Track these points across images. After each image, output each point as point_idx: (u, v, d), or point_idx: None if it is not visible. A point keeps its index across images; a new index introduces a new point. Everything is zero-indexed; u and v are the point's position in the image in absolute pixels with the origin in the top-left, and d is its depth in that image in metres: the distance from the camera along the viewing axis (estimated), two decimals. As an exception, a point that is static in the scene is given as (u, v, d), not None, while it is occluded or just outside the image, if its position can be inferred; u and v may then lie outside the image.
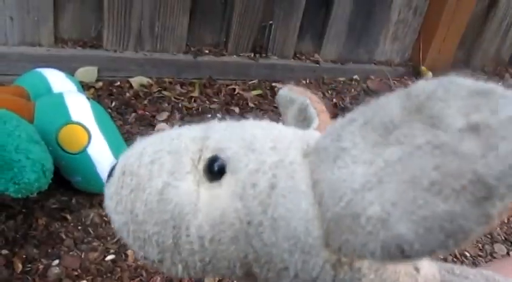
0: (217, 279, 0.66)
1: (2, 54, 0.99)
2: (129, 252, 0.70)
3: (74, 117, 0.69)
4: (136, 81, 1.12)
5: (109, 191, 0.32)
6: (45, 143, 0.63)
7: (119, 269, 0.67)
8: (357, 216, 0.22)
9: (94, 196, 0.76)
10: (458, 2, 1.47)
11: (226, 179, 0.28)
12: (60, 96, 0.72)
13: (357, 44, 1.46)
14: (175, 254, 0.29)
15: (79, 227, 0.72)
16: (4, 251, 0.65)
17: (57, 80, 0.83)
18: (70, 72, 0.96)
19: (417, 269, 0.29)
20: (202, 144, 0.30)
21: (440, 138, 0.20)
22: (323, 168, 0.25)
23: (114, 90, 1.08)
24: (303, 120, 0.39)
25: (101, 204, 0.76)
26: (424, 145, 0.21)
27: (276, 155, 0.28)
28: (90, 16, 1.10)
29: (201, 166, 0.29)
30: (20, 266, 0.63)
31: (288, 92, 0.43)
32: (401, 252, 0.21)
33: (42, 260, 0.65)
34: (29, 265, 0.64)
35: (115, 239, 0.71)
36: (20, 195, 0.57)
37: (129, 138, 0.91)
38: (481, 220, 0.19)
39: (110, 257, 0.69)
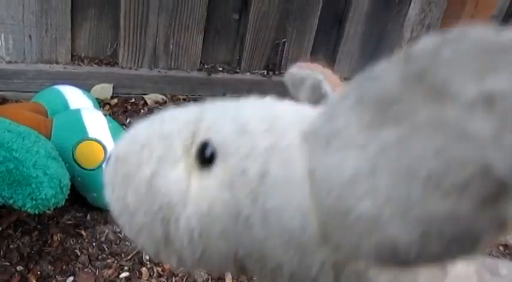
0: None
1: (20, 71, 1.00)
2: (143, 269, 0.70)
3: (91, 133, 0.70)
4: (151, 98, 1.13)
5: (106, 178, 0.30)
6: (62, 159, 0.63)
7: (133, 287, 0.67)
8: (346, 212, 0.19)
9: (109, 212, 0.75)
10: (471, 20, 1.47)
11: (217, 166, 0.25)
12: (77, 112, 0.73)
13: (370, 61, 1.46)
14: (168, 247, 0.27)
15: (94, 244, 0.71)
16: (19, 267, 0.65)
17: (74, 96, 0.84)
18: (86, 89, 0.97)
19: (444, 270, 0.26)
20: (195, 127, 0.27)
21: (444, 114, 0.16)
22: (317, 154, 0.21)
23: (129, 107, 1.09)
24: (318, 100, 0.35)
25: (115, 220, 0.76)
26: (424, 124, 0.16)
27: (269, 138, 0.24)
28: (106, 34, 1.11)
29: (193, 152, 0.26)
30: (35, 282, 0.63)
31: (298, 70, 0.38)
32: (396, 258, 0.18)
33: (56, 276, 0.65)
34: (44, 282, 0.64)
35: (129, 256, 0.71)
36: (37, 211, 0.57)
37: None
38: (492, 225, 0.15)
39: (124, 275, 0.68)
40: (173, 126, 0.28)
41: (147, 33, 1.11)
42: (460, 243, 0.16)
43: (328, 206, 0.20)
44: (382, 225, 0.17)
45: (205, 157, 0.26)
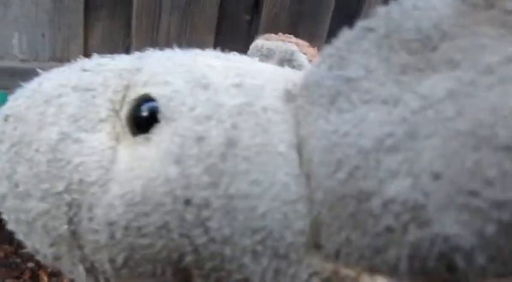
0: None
1: (33, 69, 1.01)
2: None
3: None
4: (162, 97, 1.13)
5: None
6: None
7: (142, 285, 0.67)
8: (366, 197, 0.12)
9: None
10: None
11: (159, 130, 0.18)
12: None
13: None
14: (74, 249, 0.19)
15: (104, 242, 0.72)
16: (30, 264, 0.65)
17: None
18: (98, 88, 0.98)
19: None
20: (129, 79, 0.20)
21: None
22: (314, 116, 0.15)
23: (140, 106, 1.09)
24: None
25: None
26: (497, 66, 0.11)
27: (241, 96, 0.17)
28: (118, 34, 1.12)
29: (125, 111, 0.20)
30: (46, 278, 0.63)
31: (264, 42, 0.26)
32: (450, 270, 0.11)
33: (67, 273, 0.65)
34: (54, 278, 0.64)
35: (139, 255, 0.71)
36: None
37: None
38: None
39: (134, 273, 0.68)
40: (97, 76, 0.21)
41: (159, 32, 1.12)
42: None
43: (333, 187, 0.13)
44: (428, 217, 0.11)
45: (142, 118, 0.18)
